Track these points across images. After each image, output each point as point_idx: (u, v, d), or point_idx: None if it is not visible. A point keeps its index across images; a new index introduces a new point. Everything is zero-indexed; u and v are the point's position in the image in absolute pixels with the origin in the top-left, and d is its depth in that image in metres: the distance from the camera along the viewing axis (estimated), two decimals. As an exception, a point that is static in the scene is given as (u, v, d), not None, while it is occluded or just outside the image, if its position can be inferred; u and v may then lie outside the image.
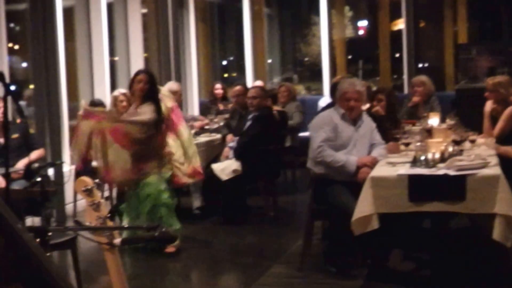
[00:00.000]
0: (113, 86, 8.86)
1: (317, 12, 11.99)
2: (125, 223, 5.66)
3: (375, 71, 13.86)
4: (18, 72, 8.94)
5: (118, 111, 6.59)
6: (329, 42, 11.68)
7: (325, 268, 4.98)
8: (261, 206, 7.16)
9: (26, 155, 5.65)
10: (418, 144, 4.75)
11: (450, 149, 4.83)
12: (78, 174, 6.18)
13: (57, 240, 4.20)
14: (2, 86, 3.20)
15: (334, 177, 4.98)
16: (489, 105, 6.08)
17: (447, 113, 6.53)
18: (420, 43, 12.46)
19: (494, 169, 4.41)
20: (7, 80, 3.41)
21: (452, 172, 4.30)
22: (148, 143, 5.61)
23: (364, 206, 4.37)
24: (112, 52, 9.40)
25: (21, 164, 5.76)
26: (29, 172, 5.22)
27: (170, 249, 5.63)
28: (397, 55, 12.70)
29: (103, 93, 8.53)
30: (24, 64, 8.84)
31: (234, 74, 14.50)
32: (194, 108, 11.22)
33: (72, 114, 8.01)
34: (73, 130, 6.40)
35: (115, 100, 7.11)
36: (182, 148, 5.94)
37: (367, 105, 6.18)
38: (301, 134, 8.66)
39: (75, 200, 7.04)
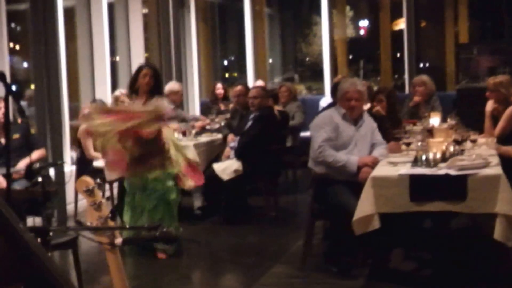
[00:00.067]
0: (114, 86, 8.86)
1: (318, 12, 12.00)
2: (127, 219, 5.55)
3: (376, 71, 13.88)
4: (19, 72, 8.95)
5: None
6: (330, 42, 11.67)
7: (326, 268, 4.97)
8: (262, 206, 7.15)
9: (27, 155, 5.64)
10: (419, 144, 4.75)
11: (451, 149, 4.83)
12: (79, 174, 6.17)
13: (58, 240, 4.20)
14: (3, 86, 3.19)
15: (335, 177, 4.97)
16: (490, 105, 6.08)
17: (448, 113, 6.55)
18: (421, 43, 12.46)
19: (495, 169, 4.41)
20: (8, 80, 3.40)
21: (453, 172, 4.30)
22: (156, 138, 5.41)
23: (365, 206, 4.37)
24: (113, 52, 9.40)
25: (22, 164, 5.75)
26: (30, 172, 5.23)
27: (161, 255, 5.49)
28: (398, 55, 12.72)
29: (104, 93, 8.52)
30: (25, 64, 8.85)
31: (235, 74, 14.52)
32: (195, 108, 11.24)
33: (73, 114, 8.04)
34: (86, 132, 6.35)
35: (116, 100, 7.10)
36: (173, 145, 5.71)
37: (368, 105, 6.18)
38: (302, 134, 8.67)
39: (76, 200, 7.03)
